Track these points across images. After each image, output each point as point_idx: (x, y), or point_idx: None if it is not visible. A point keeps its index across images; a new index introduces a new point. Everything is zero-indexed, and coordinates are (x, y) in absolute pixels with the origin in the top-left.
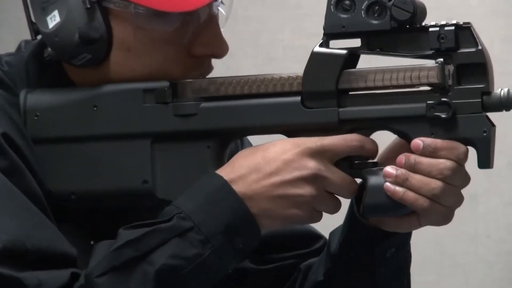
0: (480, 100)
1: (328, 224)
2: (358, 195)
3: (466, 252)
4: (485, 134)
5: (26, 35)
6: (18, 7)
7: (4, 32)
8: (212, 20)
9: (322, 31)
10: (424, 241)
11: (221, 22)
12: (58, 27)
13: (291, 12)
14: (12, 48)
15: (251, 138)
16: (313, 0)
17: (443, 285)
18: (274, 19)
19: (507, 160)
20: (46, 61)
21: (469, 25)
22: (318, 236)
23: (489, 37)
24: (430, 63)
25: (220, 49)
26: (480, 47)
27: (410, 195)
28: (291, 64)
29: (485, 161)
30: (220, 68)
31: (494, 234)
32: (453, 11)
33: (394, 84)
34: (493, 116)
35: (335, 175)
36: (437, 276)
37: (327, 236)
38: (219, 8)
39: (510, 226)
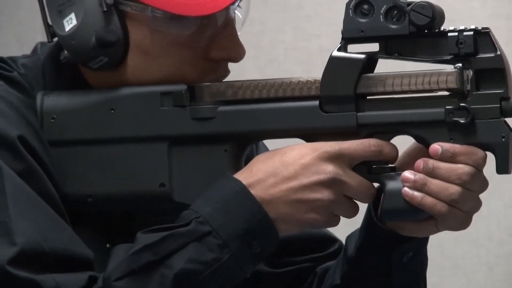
0: (499, 105)
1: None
2: (376, 200)
3: (467, 254)
4: (503, 140)
5: (27, 37)
6: (19, 9)
7: (4, 34)
8: (229, 24)
9: (323, 33)
10: None
11: (237, 25)
12: (75, 30)
13: (292, 14)
14: (13, 51)
15: (268, 142)
16: (315, 2)
17: (445, 287)
18: (275, 20)
19: None
20: (63, 64)
21: (488, 30)
22: (333, 239)
23: None
24: (448, 68)
25: (237, 52)
26: (499, 52)
27: (429, 200)
28: (292, 65)
29: (504, 167)
30: None
31: (495, 236)
32: (455, 13)
33: (412, 89)
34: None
35: (353, 179)
36: (438, 278)
37: (342, 239)
38: (236, 11)
39: (510, 228)
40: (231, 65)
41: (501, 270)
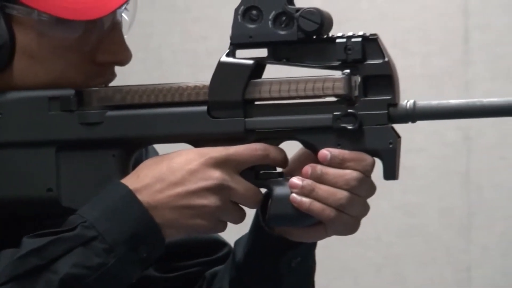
0: (386, 111)
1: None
2: (264, 205)
3: (355, 256)
4: (391, 146)
5: None
6: None
7: None
8: (115, 27)
9: (210, 35)
10: None
11: (124, 28)
12: None
13: (180, 16)
14: None
15: (158, 147)
16: (202, 4)
17: None
18: (163, 23)
19: None
20: None
21: (376, 36)
22: (222, 244)
23: None
24: (336, 74)
25: (124, 56)
26: (386, 59)
27: (317, 205)
28: (181, 68)
29: (391, 173)
30: None
31: (383, 237)
32: (343, 15)
33: (300, 95)
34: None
35: (240, 185)
36: (326, 280)
37: (232, 243)
38: (122, 14)
39: (398, 230)
40: (119, 67)
41: (389, 272)
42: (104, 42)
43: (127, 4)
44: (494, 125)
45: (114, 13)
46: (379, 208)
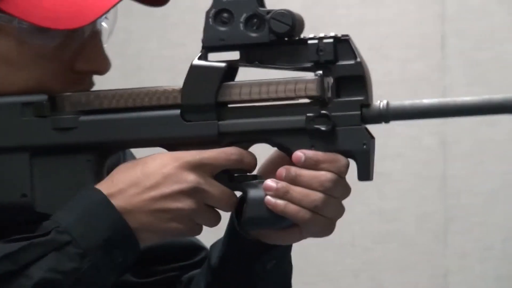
0: (359, 112)
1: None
2: (239, 208)
3: (332, 261)
4: (364, 147)
5: None
6: None
7: None
8: (95, 36)
9: (188, 41)
10: None
11: (104, 36)
12: None
13: (158, 23)
14: None
15: (134, 150)
16: (180, 11)
17: None
18: (141, 29)
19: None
20: None
21: (348, 37)
22: (200, 248)
23: None
24: (309, 75)
25: (103, 65)
26: (359, 60)
27: (292, 207)
28: (159, 74)
29: (365, 173)
30: None
31: (359, 243)
32: (321, 21)
33: (272, 97)
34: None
35: (215, 188)
36: (302, 285)
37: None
38: (102, 23)
39: (374, 235)
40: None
41: (366, 277)
42: (83, 51)
43: (108, 13)
44: (471, 130)
45: (94, 22)
46: (356, 214)
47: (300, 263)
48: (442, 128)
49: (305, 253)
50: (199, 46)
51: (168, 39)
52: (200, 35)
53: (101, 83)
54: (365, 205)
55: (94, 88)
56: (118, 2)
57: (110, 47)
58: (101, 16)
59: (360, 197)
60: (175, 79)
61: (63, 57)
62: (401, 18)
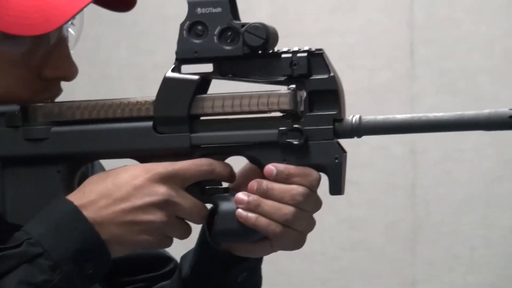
0: (332, 126)
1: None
2: (210, 221)
3: (302, 271)
4: (336, 161)
5: None
6: None
7: None
8: (62, 42)
9: (157, 49)
10: None
11: (71, 43)
12: None
13: (127, 30)
14: None
15: (104, 162)
16: (149, 18)
17: None
18: (110, 37)
19: None
20: None
21: (322, 51)
22: (169, 259)
23: None
24: (282, 89)
25: (70, 71)
26: (332, 74)
27: (262, 221)
28: (128, 82)
29: (336, 188)
30: None
31: (329, 251)
32: (288, 30)
33: (245, 110)
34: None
35: (186, 200)
36: None
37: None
38: (69, 29)
39: (343, 243)
40: (65, 82)
41: (335, 286)
42: (50, 57)
43: (74, 19)
44: (439, 140)
45: (60, 28)
46: (325, 222)
47: (270, 273)
48: (411, 138)
49: (274, 262)
50: (168, 54)
51: (137, 47)
52: (169, 43)
53: (70, 91)
54: (334, 213)
55: (63, 96)
56: (83, 8)
57: (78, 54)
58: (67, 21)
59: (330, 206)
60: (144, 87)
61: (31, 63)
62: (369, 26)
